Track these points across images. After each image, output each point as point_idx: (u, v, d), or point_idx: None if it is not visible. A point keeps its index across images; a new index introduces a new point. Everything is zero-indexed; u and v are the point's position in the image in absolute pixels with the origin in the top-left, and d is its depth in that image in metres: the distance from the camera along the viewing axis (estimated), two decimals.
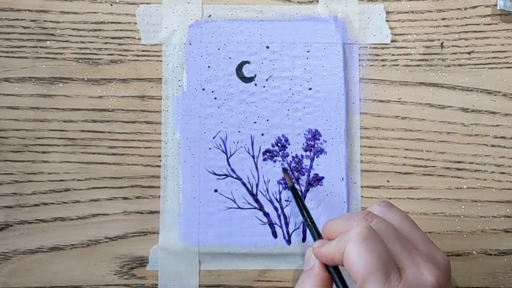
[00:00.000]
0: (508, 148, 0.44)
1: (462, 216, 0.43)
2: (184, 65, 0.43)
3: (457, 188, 0.43)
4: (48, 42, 0.44)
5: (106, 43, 0.44)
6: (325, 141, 0.43)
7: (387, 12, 0.44)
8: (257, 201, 0.43)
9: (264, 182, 0.43)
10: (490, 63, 0.44)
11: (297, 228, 0.42)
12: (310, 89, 0.43)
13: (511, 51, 0.44)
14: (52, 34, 0.44)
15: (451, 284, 0.40)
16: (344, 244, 0.33)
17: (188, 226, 0.42)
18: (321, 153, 0.43)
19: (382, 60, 0.44)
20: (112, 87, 0.43)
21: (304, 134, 0.43)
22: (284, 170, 0.43)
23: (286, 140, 0.43)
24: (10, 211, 0.43)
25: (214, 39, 0.44)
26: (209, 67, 0.43)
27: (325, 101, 0.43)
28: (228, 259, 0.43)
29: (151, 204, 0.43)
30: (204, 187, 0.43)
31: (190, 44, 0.43)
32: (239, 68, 0.44)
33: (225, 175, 0.43)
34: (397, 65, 0.44)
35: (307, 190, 0.43)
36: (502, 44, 0.44)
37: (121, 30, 0.44)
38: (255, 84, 0.43)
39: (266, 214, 0.43)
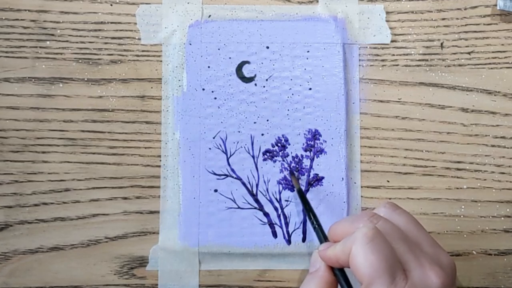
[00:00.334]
0: (508, 148, 0.44)
1: (462, 216, 0.43)
2: (184, 65, 0.43)
3: (457, 188, 0.43)
4: (48, 42, 0.44)
5: (106, 43, 0.44)
6: (325, 141, 0.43)
7: (387, 12, 0.44)
8: (257, 201, 0.43)
9: (264, 182, 0.43)
10: (490, 63, 0.44)
11: (297, 228, 0.42)
12: (310, 89, 0.43)
13: (511, 51, 0.44)
14: (52, 34, 0.44)
15: (456, 285, 0.40)
16: (350, 246, 0.33)
17: (188, 226, 0.42)
18: (321, 153, 0.43)
19: (382, 60, 0.44)
20: (112, 87, 0.43)
21: (304, 134, 0.43)
22: (291, 173, 0.43)
23: (286, 140, 0.43)
24: (10, 211, 0.43)
25: (214, 39, 0.44)
26: (209, 67, 0.43)
27: (325, 101, 0.43)
28: (228, 259, 0.43)
29: (151, 204, 0.43)
30: (204, 187, 0.43)
31: (190, 44, 0.43)
32: (239, 68, 0.44)
33: (225, 175, 0.43)
34: (397, 65, 0.44)
35: (307, 190, 0.43)
36: (502, 44, 0.44)
37: (121, 30, 0.44)
38: (255, 84, 0.43)
39: (266, 214, 0.43)
